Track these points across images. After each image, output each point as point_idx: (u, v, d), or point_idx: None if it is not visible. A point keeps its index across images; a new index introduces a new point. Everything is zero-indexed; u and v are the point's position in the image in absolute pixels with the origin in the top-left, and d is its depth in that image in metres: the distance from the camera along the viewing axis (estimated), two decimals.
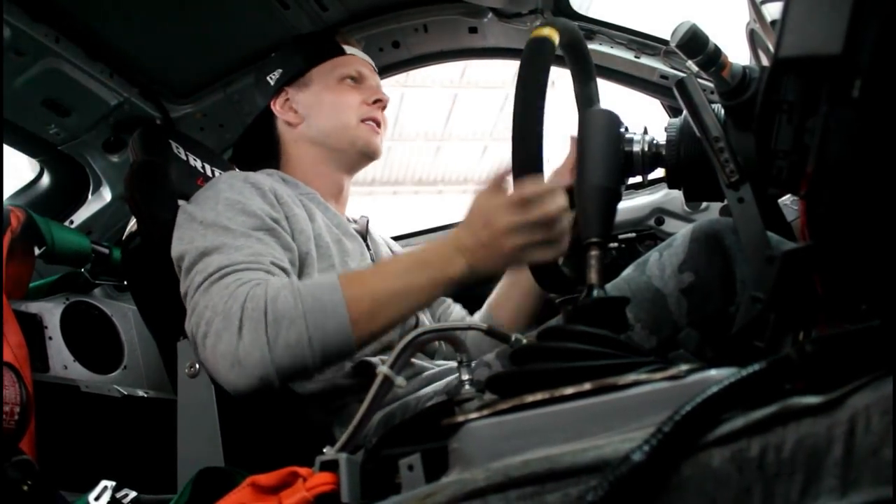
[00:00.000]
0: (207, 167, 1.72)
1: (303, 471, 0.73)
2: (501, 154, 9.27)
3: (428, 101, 9.56)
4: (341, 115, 1.57)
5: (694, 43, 0.94)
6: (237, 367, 1.13)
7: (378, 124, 1.59)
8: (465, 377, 0.82)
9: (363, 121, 1.57)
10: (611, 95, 1.57)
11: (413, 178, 11.20)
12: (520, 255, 1.11)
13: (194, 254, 1.25)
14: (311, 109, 1.59)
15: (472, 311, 1.69)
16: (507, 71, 8.23)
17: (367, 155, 1.58)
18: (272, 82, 1.64)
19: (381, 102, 1.60)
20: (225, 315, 1.15)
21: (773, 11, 1.13)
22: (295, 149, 1.61)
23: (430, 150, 10.73)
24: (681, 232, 1.30)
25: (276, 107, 1.62)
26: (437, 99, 9.62)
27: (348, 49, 1.66)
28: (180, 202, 1.50)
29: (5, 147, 2.03)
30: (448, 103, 9.61)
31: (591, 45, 1.85)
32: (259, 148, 1.66)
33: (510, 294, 1.59)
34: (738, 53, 1.04)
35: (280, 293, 1.14)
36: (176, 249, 1.30)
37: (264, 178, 1.43)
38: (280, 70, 1.64)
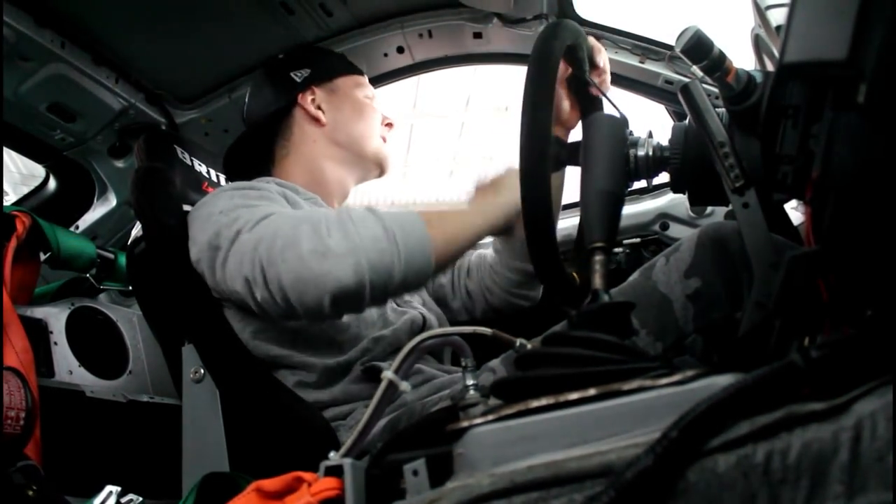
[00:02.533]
0: (212, 172, 1.73)
1: (307, 476, 0.73)
2: (468, 175, 9.48)
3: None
4: (370, 126, 1.67)
5: (698, 48, 0.94)
6: (327, 257, 1.12)
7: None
8: (470, 382, 0.82)
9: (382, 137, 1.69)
10: (614, 100, 1.57)
11: (386, 203, 11.60)
12: None
13: (225, 221, 1.28)
14: (340, 113, 1.65)
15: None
16: (457, 100, 8.48)
17: (383, 169, 1.70)
18: (298, 79, 1.67)
19: (392, 127, 1.72)
20: (294, 226, 1.18)
21: (777, 17, 1.13)
22: (312, 147, 1.63)
23: (396, 176, 11.03)
24: (687, 237, 1.29)
25: (306, 102, 1.65)
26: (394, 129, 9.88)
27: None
28: (185, 206, 1.51)
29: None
30: (405, 133, 9.78)
31: None
32: (262, 146, 1.67)
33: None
34: (742, 59, 1.04)
35: (346, 208, 1.21)
36: (199, 242, 1.32)
37: (263, 182, 1.45)
38: (309, 70, 1.69)
